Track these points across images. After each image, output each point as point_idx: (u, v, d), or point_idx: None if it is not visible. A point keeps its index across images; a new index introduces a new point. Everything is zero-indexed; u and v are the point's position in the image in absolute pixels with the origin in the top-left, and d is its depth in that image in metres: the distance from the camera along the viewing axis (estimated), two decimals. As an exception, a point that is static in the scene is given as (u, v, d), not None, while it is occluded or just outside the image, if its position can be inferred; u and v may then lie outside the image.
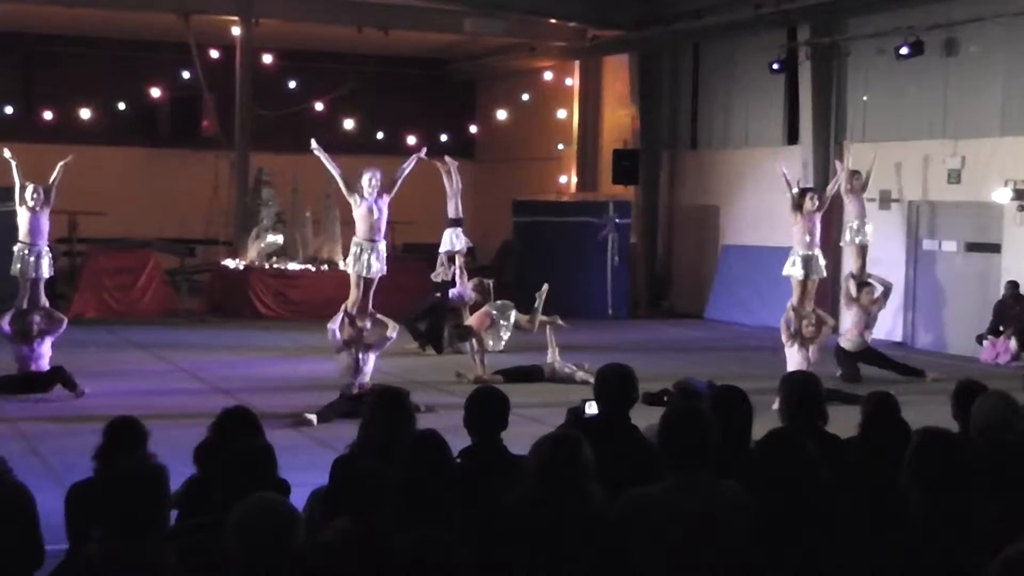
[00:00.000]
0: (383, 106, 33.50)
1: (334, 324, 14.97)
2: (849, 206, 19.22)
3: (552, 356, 17.86)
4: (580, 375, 17.25)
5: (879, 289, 18.68)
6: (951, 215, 22.33)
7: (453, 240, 20.13)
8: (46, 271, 16.10)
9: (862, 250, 19.06)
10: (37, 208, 16.06)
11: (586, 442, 5.38)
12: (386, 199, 15.53)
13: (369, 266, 15.24)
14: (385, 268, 15.49)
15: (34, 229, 16.04)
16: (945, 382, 15.36)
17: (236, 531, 4.47)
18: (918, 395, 13.85)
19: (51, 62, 32.12)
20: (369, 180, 15.32)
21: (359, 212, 15.34)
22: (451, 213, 19.93)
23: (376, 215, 15.33)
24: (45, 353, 15.79)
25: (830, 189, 18.42)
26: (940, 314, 22.51)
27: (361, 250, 15.27)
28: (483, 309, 18.56)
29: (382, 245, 15.40)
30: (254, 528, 4.46)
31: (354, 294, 15.31)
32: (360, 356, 14.78)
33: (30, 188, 16.12)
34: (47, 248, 16.23)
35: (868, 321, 18.40)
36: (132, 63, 31.69)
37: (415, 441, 5.72)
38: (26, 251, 15.94)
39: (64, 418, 14.05)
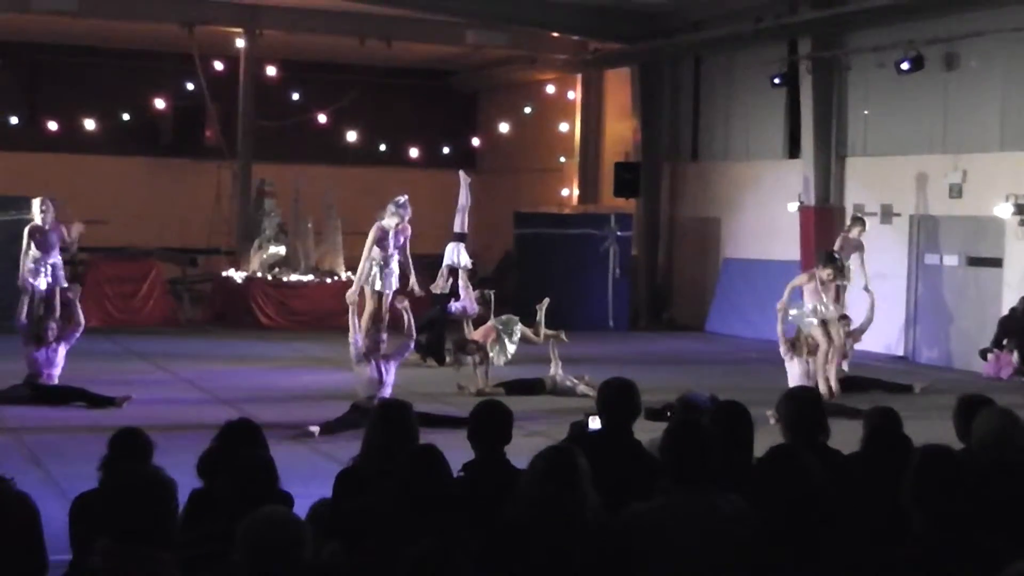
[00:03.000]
0: (385, 117, 33.55)
1: (355, 335, 14.85)
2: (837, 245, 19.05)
3: (554, 369, 17.88)
4: (581, 388, 17.28)
5: (855, 323, 18.54)
6: (952, 229, 22.34)
7: (455, 255, 20.13)
8: (62, 280, 16.44)
9: (839, 290, 18.84)
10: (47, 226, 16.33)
11: (579, 452, 5.44)
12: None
13: (384, 281, 15.37)
14: (398, 283, 15.65)
15: (45, 246, 16.29)
16: (944, 394, 15.41)
17: (244, 544, 4.49)
18: (920, 410, 13.84)
19: (55, 72, 32.22)
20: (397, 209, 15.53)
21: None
22: (456, 227, 19.97)
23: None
24: (59, 361, 15.84)
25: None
26: (942, 328, 22.51)
27: (372, 265, 15.40)
28: (488, 324, 18.54)
29: (395, 261, 15.54)
30: (262, 541, 4.47)
31: (370, 306, 15.37)
32: (382, 367, 14.71)
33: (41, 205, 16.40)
34: (59, 259, 16.45)
35: (845, 351, 18.31)
36: (136, 73, 31.76)
37: (412, 456, 5.73)
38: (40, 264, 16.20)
39: (67, 428, 14.08)
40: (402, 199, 15.87)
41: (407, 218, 15.73)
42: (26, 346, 15.83)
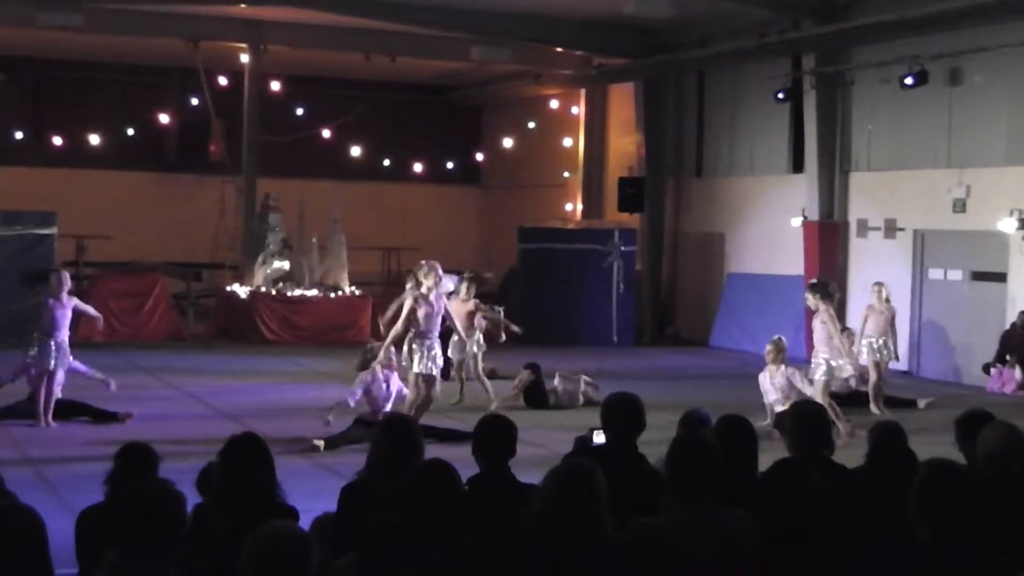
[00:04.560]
0: (389, 133, 33.66)
1: (353, 397, 14.78)
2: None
3: (556, 381, 18.06)
4: (582, 398, 17.65)
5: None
6: (956, 244, 22.34)
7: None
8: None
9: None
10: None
11: (600, 471, 5.41)
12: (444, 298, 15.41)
13: (433, 362, 14.95)
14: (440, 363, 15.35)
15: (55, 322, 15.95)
16: (948, 409, 15.37)
17: (250, 558, 4.49)
18: (924, 425, 13.84)
19: (61, 87, 32.34)
20: (431, 278, 14.87)
21: (421, 311, 14.79)
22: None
23: (435, 310, 14.92)
24: (61, 379, 15.78)
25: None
26: (946, 343, 22.50)
27: (419, 346, 14.77)
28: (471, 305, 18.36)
29: (436, 340, 15.14)
30: (268, 555, 4.48)
31: (412, 393, 14.79)
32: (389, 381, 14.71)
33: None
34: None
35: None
36: (141, 89, 31.90)
37: (424, 470, 5.72)
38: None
39: (71, 443, 14.10)
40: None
41: (439, 270, 15.23)
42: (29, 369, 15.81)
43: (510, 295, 27.68)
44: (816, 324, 15.54)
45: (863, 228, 24.03)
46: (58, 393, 15.79)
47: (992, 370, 20.59)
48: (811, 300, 15.58)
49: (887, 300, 18.96)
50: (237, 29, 27.57)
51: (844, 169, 24.44)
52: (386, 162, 33.60)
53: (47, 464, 12.86)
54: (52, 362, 15.31)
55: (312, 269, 26.27)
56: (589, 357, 20.94)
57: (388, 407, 14.47)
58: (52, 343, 15.31)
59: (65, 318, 15.51)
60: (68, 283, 15.81)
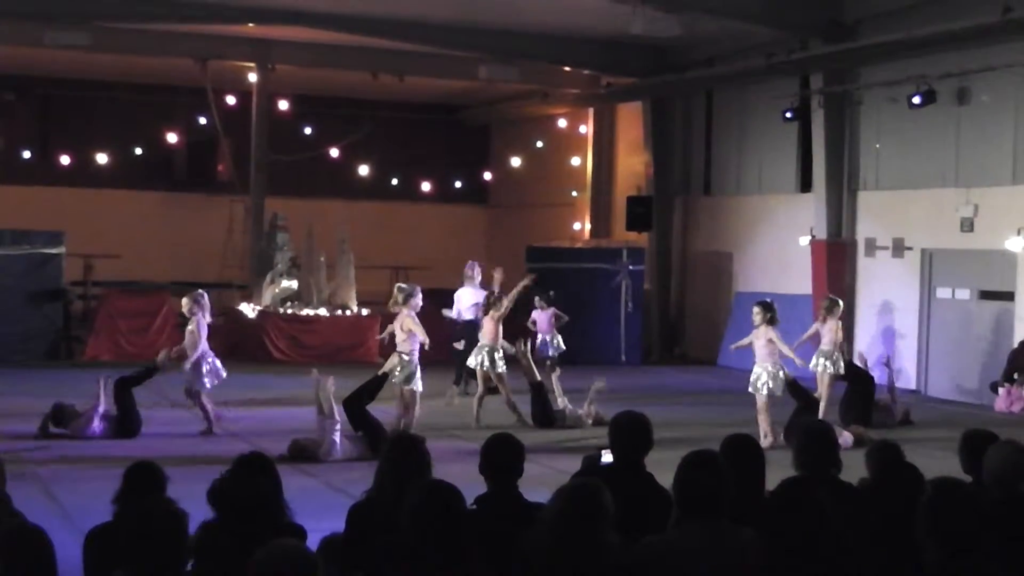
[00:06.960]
0: (397, 152, 33.68)
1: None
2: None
3: (563, 402, 18.07)
4: (590, 420, 17.59)
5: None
6: (964, 263, 22.32)
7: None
8: None
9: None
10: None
11: (607, 490, 5.40)
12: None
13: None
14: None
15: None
16: (955, 427, 15.32)
17: (257, 576, 4.50)
18: (925, 443, 13.80)
19: (68, 106, 32.40)
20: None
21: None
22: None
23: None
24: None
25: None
26: (953, 362, 22.46)
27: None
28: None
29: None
30: (276, 574, 4.48)
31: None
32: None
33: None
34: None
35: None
36: (149, 108, 31.95)
37: (426, 490, 5.71)
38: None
39: (79, 462, 14.11)
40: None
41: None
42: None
43: (518, 314, 27.66)
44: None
45: (871, 247, 24.02)
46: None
47: (1000, 389, 20.54)
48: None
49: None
50: (245, 48, 27.65)
51: (852, 188, 24.43)
52: (394, 181, 33.62)
53: (55, 483, 12.85)
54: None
55: (320, 288, 26.29)
56: (596, 376, 20.86)
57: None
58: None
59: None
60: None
